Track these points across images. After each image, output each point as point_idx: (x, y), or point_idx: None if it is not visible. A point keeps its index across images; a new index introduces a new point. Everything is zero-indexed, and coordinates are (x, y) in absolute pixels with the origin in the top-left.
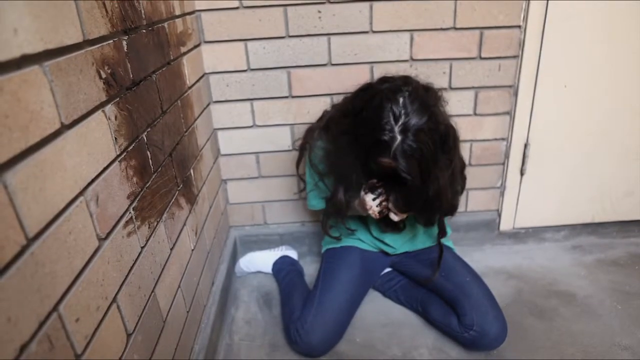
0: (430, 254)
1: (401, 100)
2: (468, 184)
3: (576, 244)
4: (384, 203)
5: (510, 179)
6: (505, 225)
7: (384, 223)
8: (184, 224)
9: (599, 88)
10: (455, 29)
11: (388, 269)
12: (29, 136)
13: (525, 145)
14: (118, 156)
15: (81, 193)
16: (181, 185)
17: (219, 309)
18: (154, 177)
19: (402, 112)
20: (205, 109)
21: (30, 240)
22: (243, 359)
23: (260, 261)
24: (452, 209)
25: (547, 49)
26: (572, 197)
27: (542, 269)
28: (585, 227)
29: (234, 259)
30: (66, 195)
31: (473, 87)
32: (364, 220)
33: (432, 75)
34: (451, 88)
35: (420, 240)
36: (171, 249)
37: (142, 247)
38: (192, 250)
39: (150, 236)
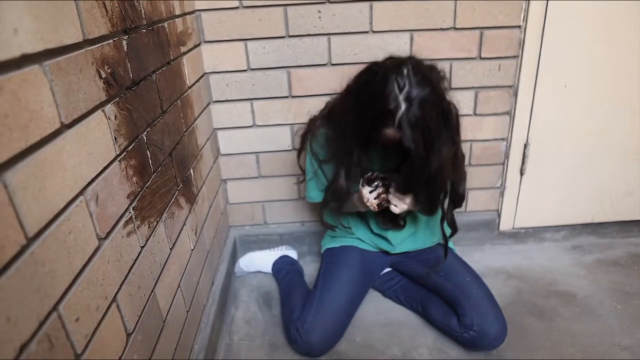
0: (430, 254)
1: (405, 71)
2: (468, 184)
3: (576, 244)
4: (382, 195)
5: (510, 179)
6: (505, 225)
7: (384, 218)
8: (184, 224)
9: (599, 88)
10: (455, 29)
11: (388, 269)
12: (28, 136)
13: (525, 145)
14: (118, 156)
15: (81, 193)
16: (181, 185)
17: (219, 308)
18: (153, 176)
19: (407, 82)
20: (205, 108)
21: (30, 240)
22: (243, 359)
23: (260, 261)
24: (460, 198)
25: (547, 49)
26: (572, 197)
27: (542, 269)
28: (585, 227)
29: (233, 258)
30: (66, 195)
31: (473, 87)
32: (364, 217)
33: None
34: (451, 88)
35: (421, 238)
36: (171, 249)
37: (142, 247)
38: (192, 250)
39: (150, 236)
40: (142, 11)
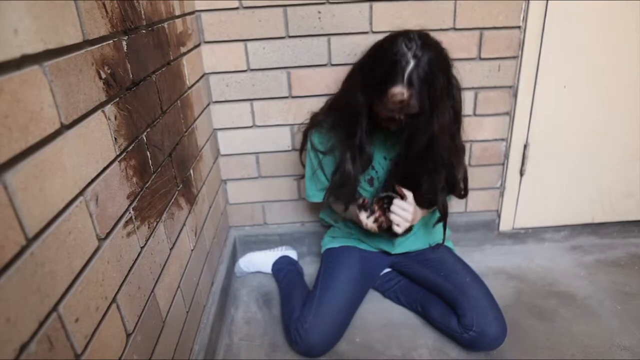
0: (431, 255)
1: (412, 36)
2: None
3: (576, 245)
4: (380, 219)
5: (510, 179)
6: (505, 225)
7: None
8: (184, 224)
9: (599, 88)
10: (455, 29)
11: (388, 269)
12: (28, 136)
13: (525, 146)
14: (118, 156)
15: (81, 193)
16: (181, 186)
17: (219, 309)
18: (153, 177)
19: (415, 44)
20: (205, 109)
21: (30, 241)
22: (243, 359)
23: (259, 261)
24: (457, 184)
25: (546, 50)
26: (572, 198)
27: (541, 269)
28: (585, 228)
29: (233, 259)
30: (66, 195)
31: (473, 88)
32: None
33: None
34: None
35: (421, 239)
36: (171, 249)
37: (142, 247)
38: (192, 250)
39: (149, 236)
40: (142, 12)
